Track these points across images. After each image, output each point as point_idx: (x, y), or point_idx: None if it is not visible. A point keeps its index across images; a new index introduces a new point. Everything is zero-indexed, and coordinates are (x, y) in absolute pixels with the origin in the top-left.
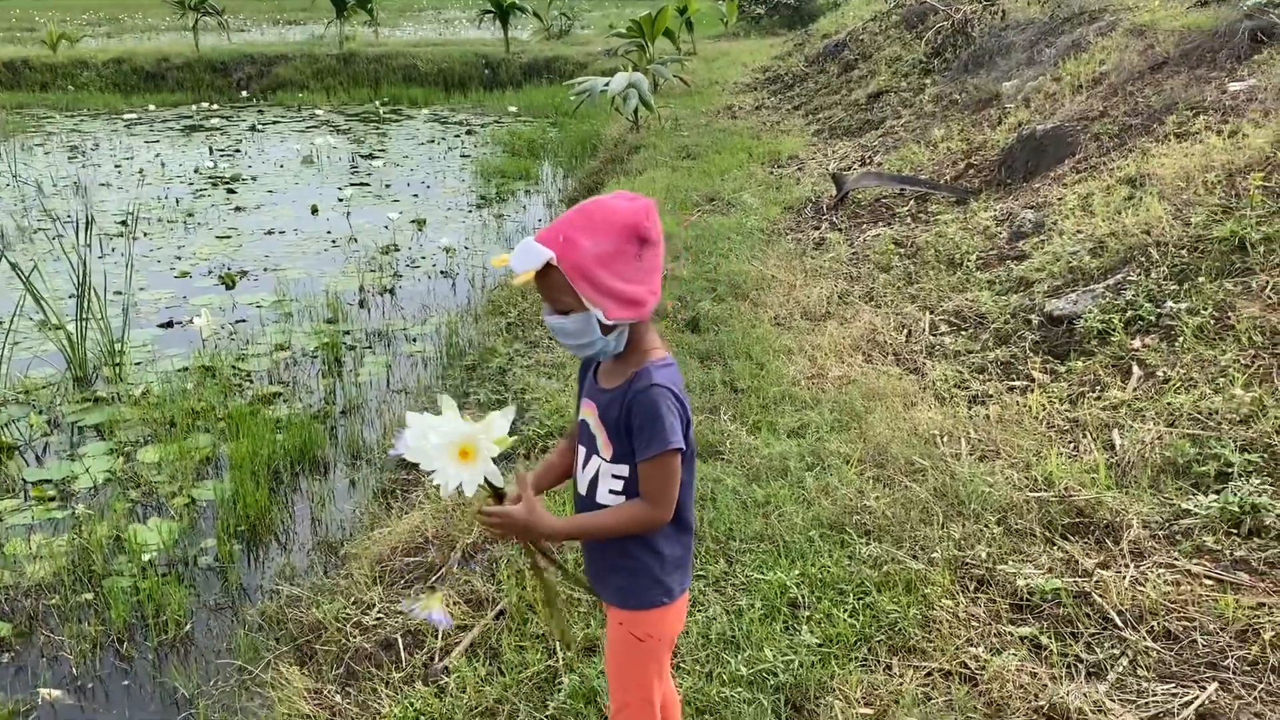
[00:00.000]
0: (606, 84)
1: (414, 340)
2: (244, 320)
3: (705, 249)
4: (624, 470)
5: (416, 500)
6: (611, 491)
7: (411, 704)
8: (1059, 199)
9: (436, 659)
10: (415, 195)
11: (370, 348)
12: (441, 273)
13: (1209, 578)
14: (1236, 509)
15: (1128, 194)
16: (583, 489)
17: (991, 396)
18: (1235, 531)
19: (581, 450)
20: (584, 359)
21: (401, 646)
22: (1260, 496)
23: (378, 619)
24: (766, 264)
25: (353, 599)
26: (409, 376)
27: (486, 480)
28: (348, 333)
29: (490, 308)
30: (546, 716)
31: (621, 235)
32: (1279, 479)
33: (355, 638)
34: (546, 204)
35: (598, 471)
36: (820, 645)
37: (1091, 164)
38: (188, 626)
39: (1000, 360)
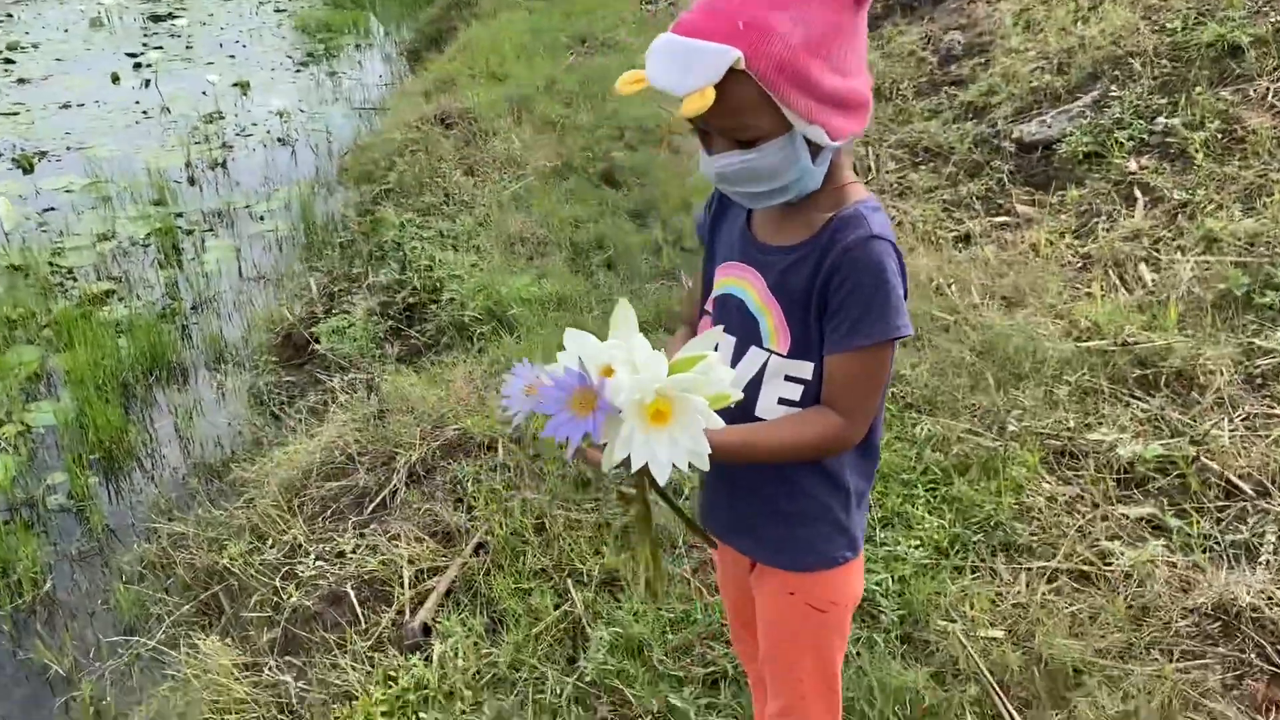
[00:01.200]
0: None
1: (261, 218)
2: (53, 208)
3: (596, 93)
4: (807, 370)
5: (319, 407)
6: (782, 401)
7: (393, 679)
8: (987, 17)
9: (408, 614)
10: (231, 56)
11: (211, 230)
12: (279, 140)
13: None
14: None
15: (1074, 5)
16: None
17: (984, 235)
18: None
19: (726, 341)
20: (717, 205)
21: (356, 601)
22: None
23: (318, 567)
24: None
25: (269, 539)
26: (264, 260)
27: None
28: (180, 215)
29: (351, 174)
30: (585, 682)
31: (829, 4)
32: None
33: (291, 594)
34: (384, 58)
35: (761, 372)
36: (908, 555)
37: None
38: (47, 585)
39: (977, 195)
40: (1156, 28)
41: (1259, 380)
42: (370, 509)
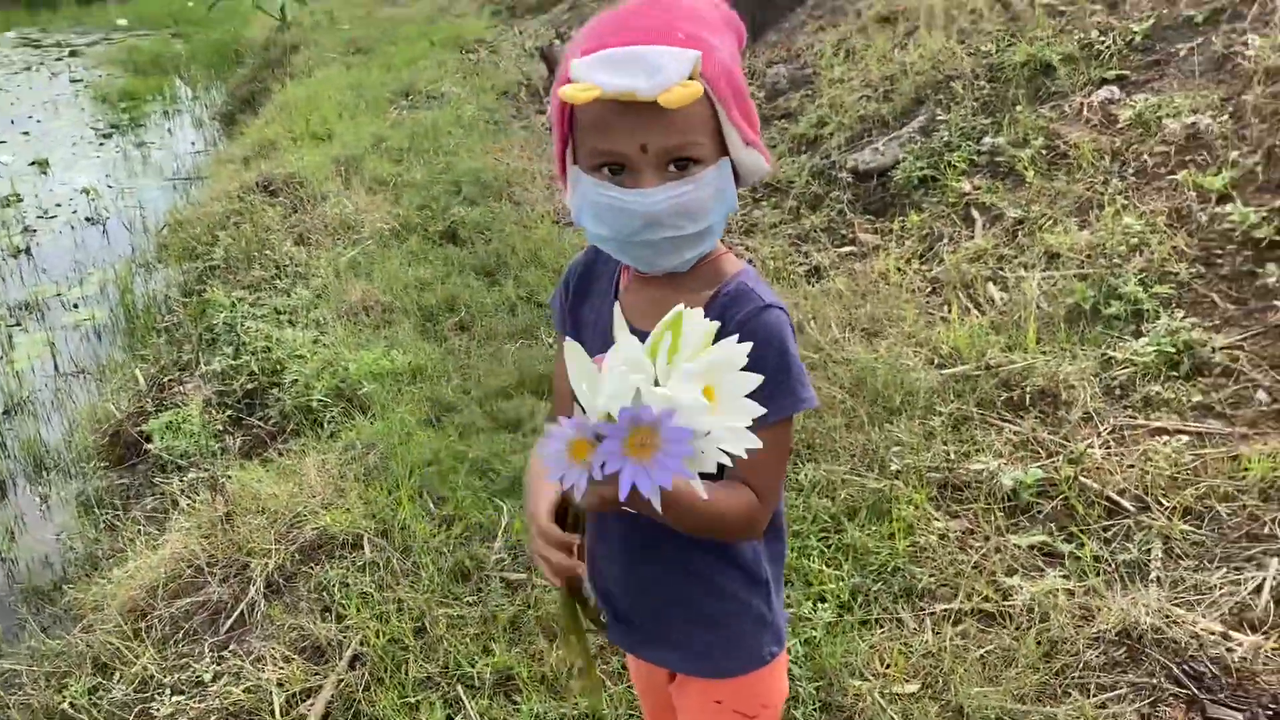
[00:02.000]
0: None
1: (75, 306)
2: None
3: (427, 148)
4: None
5: (158, 514)
6: None
7: None
8: (808, 48)
9: None
10: (25, 133)
11: (18, 324)
12: (87, 219)
13: (1182, 432)
14: (1171, 349)
15: (890, 33)
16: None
17: (833, 267)
18: (1175, 374)
19: None
20: (576, 287)
21: None
22: (1190, 331)
23: (175, 703)
24: (509, 156)
25: (115, 673)
26: (83, 352)
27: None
28: None
29: (172, 252)
30: None
31: (733, 33)
32: (1199, 308)
33: None
34: (196, 124)
35: None
36: (813, 616)
37: (830, 8)
38: None
39: (821, 226)
40: (971, 51)
41: (1118, 391)
42: (227, 627)
